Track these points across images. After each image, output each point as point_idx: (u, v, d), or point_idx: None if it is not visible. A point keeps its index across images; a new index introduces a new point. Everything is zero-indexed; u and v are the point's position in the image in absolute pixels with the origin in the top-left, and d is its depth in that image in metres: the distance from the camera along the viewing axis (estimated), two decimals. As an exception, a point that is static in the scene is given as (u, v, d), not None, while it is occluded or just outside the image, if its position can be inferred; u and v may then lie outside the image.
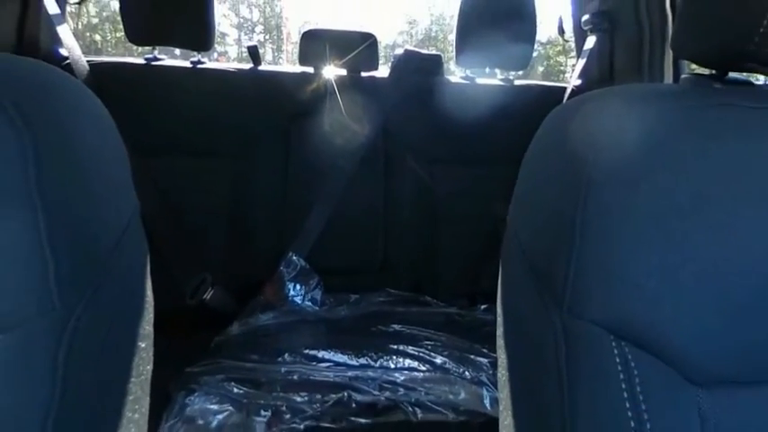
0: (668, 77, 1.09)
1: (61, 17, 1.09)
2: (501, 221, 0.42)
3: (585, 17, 1.23)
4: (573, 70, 1.32)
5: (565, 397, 0.29)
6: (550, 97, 1.22)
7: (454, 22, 1.24)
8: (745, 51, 0.31)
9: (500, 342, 0.41)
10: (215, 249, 1.14)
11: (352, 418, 0.79)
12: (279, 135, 1.17)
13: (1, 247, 0.23)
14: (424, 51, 1.26)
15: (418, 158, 1.22)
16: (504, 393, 0.39)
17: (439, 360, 0.92)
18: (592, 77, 1.27)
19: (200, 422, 0.75)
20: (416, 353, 0.93)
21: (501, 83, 1.28)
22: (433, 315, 1.11)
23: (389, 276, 1.20)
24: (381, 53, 1.24)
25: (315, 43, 1.18)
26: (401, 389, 0.84)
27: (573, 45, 1.37)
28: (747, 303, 0.28)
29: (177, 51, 1.21)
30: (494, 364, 0.91)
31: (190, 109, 1.12)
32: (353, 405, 0.80)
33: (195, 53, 1.16)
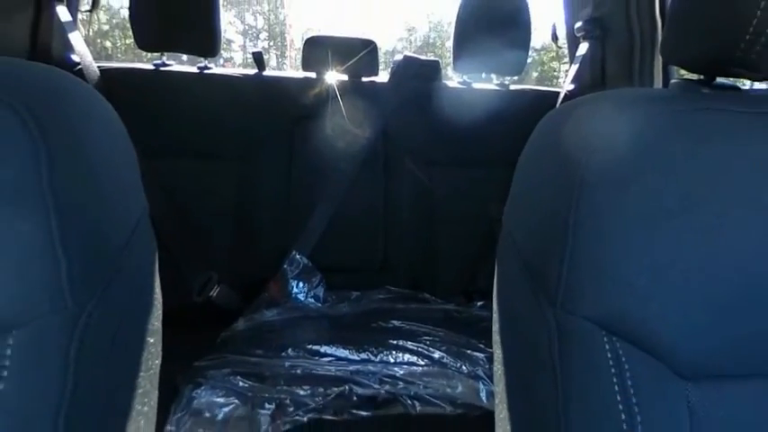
0: (658, 82, 1.09)
1: (73, 24, 1.09)
2: (496, 222, 0.42)
3: (578, 24, 1.23)
4: (566, 76, 1.32)
5: (558, 390, 0.29)
6: (544, 102, 1.23)
7: (452, 29, 1.24)
8: (732, 57, 0.31)
9: (496, 338, 0.41)
10: (221, 248, 1.14)
11: (354, 411, 0.79)
12: (283, 138, 1.17)
13: (15, 247, 0.23)
14: (423, 57, 1.26)
15: (417, 161, 1.22)
16: (499, 387, 0.39)
17: (437, 355, 0.92)
18: (584, 82, 1.27)
19: (207, 415, 0.75)
20: (415, 348, 0.93)
21: (497, 88, 1.28)
22: (431, 312, 1.11)
23: (389, 274, 1.20)
24: (381, 59, 1.24)
25: (317, 49, 1.19)
26: (400, 383, 0.84)
27: (566, 51, 1.37)
28: (734, 301, 0.29)
29: (185, 57, 1.21)
30: (490, 359, 0.91)
31: (197, 113, 1.12)
32: (354, 398, 0.80)
33: (202, 59, 1.16)
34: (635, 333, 0.29)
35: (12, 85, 0.25)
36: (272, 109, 1.16)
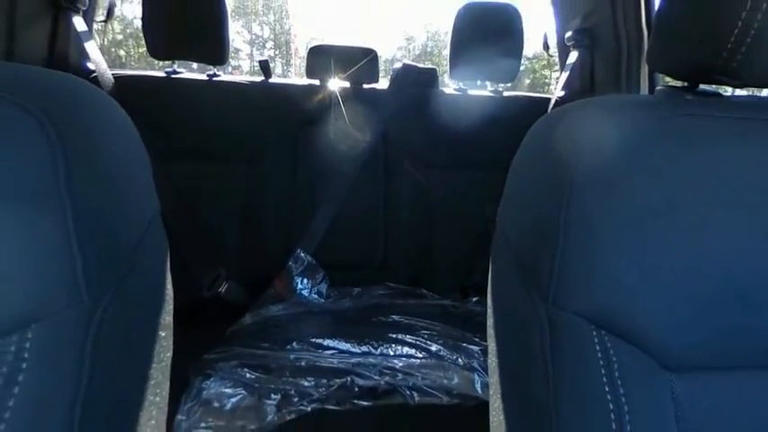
0: (644, 89, 1.09)
1: (88, 34, 1.09)
2: (491, 221, 0.42)
3: (568, 34, 1.23)
4: (557, 82, 1.32)
5: (549, 381, 0.29)
6: (536, 107, 1.23)
7: (448, 39, 1.24)
8: (715, 66, 0.31)
9: (490, 331, 0.41)
10: (229, 246, 1.14)
11: (355, 401, 0.79)
12: (288, 142, 1.17)
13: (34, 245, 0.23)
14: (421, 65, 1.26)
15: (415, 163, 1.22)
16: (493, 378, 0.39)
17: (434, 348, 0.92)
18: (574, 89, 1.27)
19: (216, 405, 0.75)
20: (413, 341, 0.93)
21: (491, 94, 1.28)
22: (428, 307, 1.11)
23: (389, 271, 1.20)
24: (381, 67, 1.24)
25: (321, 58, 1.18)
26: (400, 374, 0.84)
27: (557, 59, 1.37)
28: (717, 297, 0.29)
29: (195, 65, 1.21)
30: (484, 352, 0.91)
31: (206, 118, 1.12)
32: (356, 389, 0.80)
33: (211, 67, 1.16)
34: (623, 327, 0.29)
35: (31, 91, 0.25)
36: (277, 114, 1.16)
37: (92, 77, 1.05)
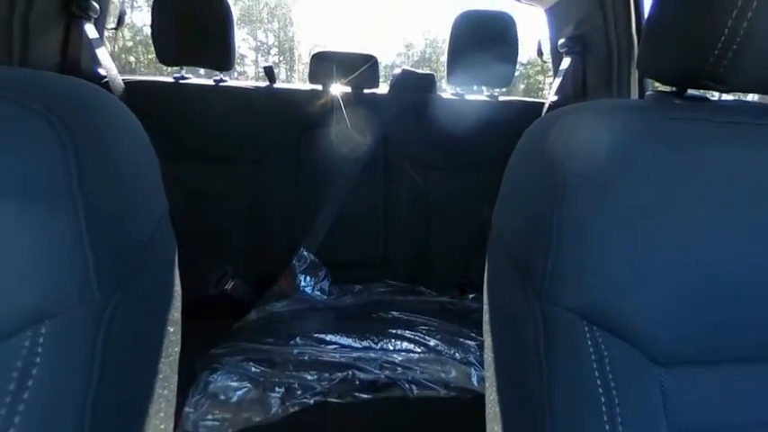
0: (634, 94, 1.09)
1: (100, 41, 1.09)
2: (487, 221, 0.42)
3: (561, 41, 1.23)
4: (550, 87, 1.32)
5: (543, 374, 0.29)
6: (530, 111, 1.23)
7: (446, 46, 1.24)
8: (702, 71, 0.31)
9: (486, 327, 0.41)
10: (235, 245, 1.14)
11: (356, 394, 0.79)
12: (291, 145, 1.17)
13: (47, 244, 0.23)
14: (420, 71, 1.26)
15: (414, 165, 1.22)
16: (489, 372, 0.39)
17: (432, 343, 0.92)
18: (567, 94, 1.27)
19: (222, 397, 0.75)
20: (412, 336, 0.93)
21: (487, 99, 1.28)
22: (427, 303, 1.11)
23: (389, 269, 1.20)
24: (381, 72, 1.24)
25: (323, 64, 1.18)
26: (399, 368, 0.84)
27: (550, 65, 1.37)
28: (704, 293, 0.29)
29: (202, 71, 1.21)
30: (480, 347, 0.91)
31: (213, 122, 1.12)
32: (357, 382, 0.80)
33: (218, 72, 1.16)
34: (613, 323, 0.29)
35: (45, 95, 0.25)
36: (281, 118, 1.16)
37: (103, 83, 1.05)
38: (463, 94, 1.28)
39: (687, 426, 0.29)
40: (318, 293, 1.12)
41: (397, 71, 1.26)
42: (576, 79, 1.24)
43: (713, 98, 0.36)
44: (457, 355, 0.89)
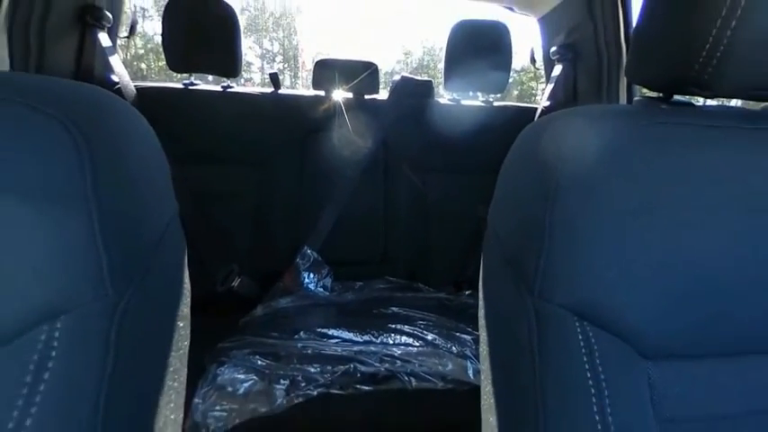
0: (623, 99, 1.09)
1: (113, 49, 1.09)
2: (482, 221, 0.42)
3: (553, 49, 1.23)
4: (543, 93, 1.32)
5: (536, 368, 0.29)
6: (524, 116, 1.23)
7: (443, 54, 1.24)
8: (688, 78, 0.31)
9: (481, 322, 0.41)
10: (241, 244, 1.14)
11: (357, 386, 0.78)
12: (295, 148, 1.17)
13: (62, 243, 0.23)
14: (418, 77, 1.26)
15: (413, 168, 1.22)
16: (484, 365, 0.39)
17: (430, 337, 0.92)
18: (558, 99, 1.27)
19: (230, 389, 0.75)
20: (411, 331, 0.93)
21: (482, 104, 1.28)
22: (425, 299, 1.11)
23: (389, 267, 1.20)
24: (381, 79, 1.24)
25: (326, 71, 1.18)
26: (398, 361, 0.84)
27: (543, 72, 1.37)
28: (690, 290, 0.29)
29: (210, 78, 1.21)
30: (476, 341, 0.91)
31: (220, 126, 1.12)
32: (358, 375, 0.80)
33: (225, 79, 1.16)
34: (603, 318, 0.29)
35: (60, 101, 0.25)
36: (286, 123, 1.16)
37: (115, 89, 1.05)
38: (459, 99, 1.28)
39: (673, 416, 0.29)
40: (321, 290, 1.12)
41: (397, 78, 1.26)
42: (568, 85, 1.24)
43: (698, 104, 0.36)
44: (453, 348, 0.89)
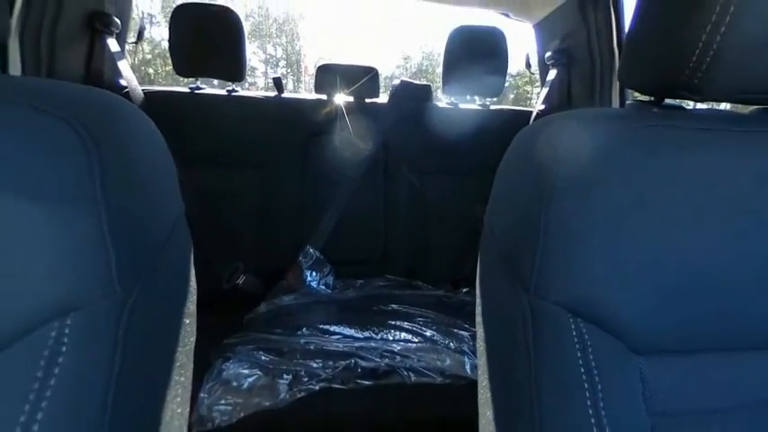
0: (615, 103, 1.09)
1: (121, 54, 1.09)
2: (479, 220, 0.42)
3: (548, 54, 1.23)
4: (538, 97, 1.32)
5: (531, 363, 0.29)
6: (519, 119, 1.23)
7: (441, 59, 1.24)
8: (678, 82, 0.31)
9: (478, 319, 0.41)
10: (246, 243, 1.14)
11: (358, 381, 0.78)
12: (298, 150, 1.17)
13: (72, 242, 0.23)
14: (417, 82, 1.26)
15: (412, 169, 1.22)
16: (481, 360, 0.39)
17: (428, 333, 0.92)
18: (553, 103, 1.27)
19: (234, 384, 0.75)
20: (410, 327, 0.93)
21: (479, 107, 1.28)
22: (424, 297, 1.11)
23: (389, 265, 1.20)
24: (381, 83, 1.24)
25: (328, 75, 1.18)
26: (398, 356, 0.84)
27: (538, 77, 1.37)
28: (681, 288, 0.29)
29: (215, 82, 1.21)
30: (473, 337, 0.91)
31: (225, 129, 1.12)
32: (359, 370, 0.80)
33: (230, 83, 1.16)
34: (597, 315, 0.29)
35: (70, 105, 0.25)
36: (289, 125, 1.16)
37: (124, 93, 1.05)
38: (457, 103, 1.28)
39: (664, 410, 0.29)
40: (323, 288, 1.12)
41: (396, 82, 1.26)
42: (562, 89, 1.24)
43: (688, 107, 0.36)
44: (451, 344, 0.89)
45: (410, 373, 0.81)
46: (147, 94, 1.09)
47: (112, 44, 1.05)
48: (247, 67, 1.14)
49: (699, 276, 0.28)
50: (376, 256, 1.22)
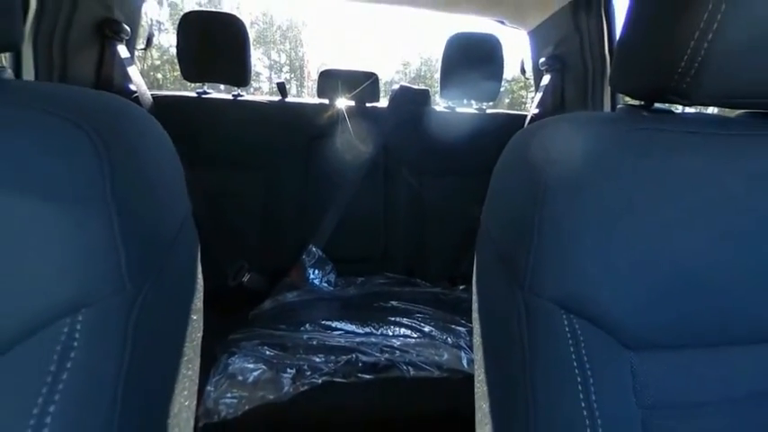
0: (607, 107, 1.09)
1: (130, 60, 1.09)
2: (476, 220, 0.42)
3: (542, 60, 1.23)
4: (532, 101, 1.32)
5: (526, 358, 0.29)
6: (514, 123, 1.23)
7: (439, 64, 1.24)
8: (668, 87, 0.31)
9: (475, 315, 0.41)
10: (251, 242, 1.14)
11: (359, 375, 0.78)
12: (301, 152, 1.17)
13: (83, 241, 0.23)
14: (416, 87, 1.26)
15: (411, 171, 1.22)
16: (478, 355, 0.39)
17: (427, 329, 0.92)
18: (547, 107, 1.27)
19: (240, 378, 0.75)
20: (409, 323, 0.93)
21: (476, 111, 1.28)
22: (422, 294, 1.11)
23: (388, 264, 1.20)
24: (382, 88, 1.24)
25: (330, 80, 1.19)
26: (397, 351, 0.84)
27: (532, 82, 1.37)
28: (671, 286, 0.29)
29: (222, 87, 1.21)
30: (470, 333, 0.91)
31: (231, 132, 1.12)
32: (360, 364, 0.80)
33: (235, 88, 1.16)
34: (589, 312, 0.29)
35: (81, 109, 0.25)
36: (292, 129, 1.16)
37: (133, 97, 1.05)
38: (454, 107, 1.28)
39: (654, 403, 0.29)
40: (325, 285, 1.12)
41: (396, 87, 1.26)
42: (556, 94, 1.24)
43: (677, 111, 0.36)
44: (449, 340, 0.89)
45: (409, 367, 0.81)
46: (155, 98, 1.09)
47: (122, 50, 1.05)
48: (252, 73, 1.14)
49: (688, 275, 0.28)
50: (376, 254, 1.22)
